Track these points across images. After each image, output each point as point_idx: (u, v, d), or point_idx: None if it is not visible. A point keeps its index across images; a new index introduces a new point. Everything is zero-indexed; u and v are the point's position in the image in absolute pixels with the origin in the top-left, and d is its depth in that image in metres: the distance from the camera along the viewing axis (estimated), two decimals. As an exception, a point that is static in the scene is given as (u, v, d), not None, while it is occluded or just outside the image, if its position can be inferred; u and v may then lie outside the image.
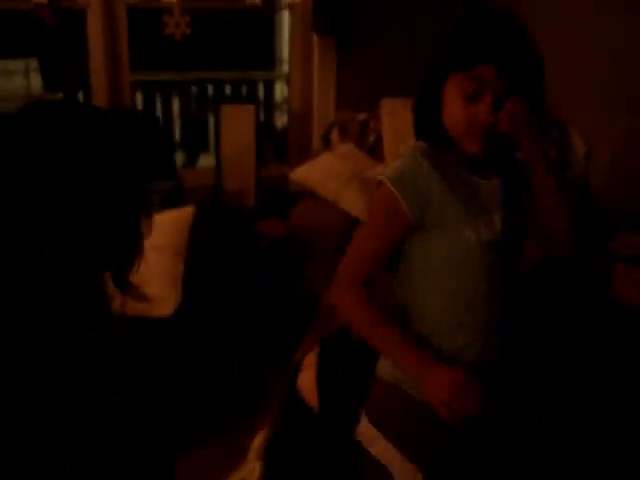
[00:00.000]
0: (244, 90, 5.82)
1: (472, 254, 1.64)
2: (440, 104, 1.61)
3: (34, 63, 6.17)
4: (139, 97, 5.52)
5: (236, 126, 3.85)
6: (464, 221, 1.62)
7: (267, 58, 5.50)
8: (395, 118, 3.74)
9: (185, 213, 3.02)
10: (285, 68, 4.70)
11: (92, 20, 3.63)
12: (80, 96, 5.65)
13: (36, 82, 6.13)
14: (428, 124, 1.66)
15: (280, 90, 5.51)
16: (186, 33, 3.71)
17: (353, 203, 3.36)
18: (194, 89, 5.81)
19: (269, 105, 5.64)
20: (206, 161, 4.93)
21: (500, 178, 1.68)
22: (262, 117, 5.11)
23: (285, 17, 4.46)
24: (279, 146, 4.35)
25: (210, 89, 5.84)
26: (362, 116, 3.94)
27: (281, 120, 5.15)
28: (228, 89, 5.90)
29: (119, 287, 2.36)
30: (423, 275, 1.69)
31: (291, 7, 4.15)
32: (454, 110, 1.58)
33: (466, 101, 1.55)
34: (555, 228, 1.71)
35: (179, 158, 5.24)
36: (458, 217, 1.61)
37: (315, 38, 4.08)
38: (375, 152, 3.85)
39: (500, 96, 1.54)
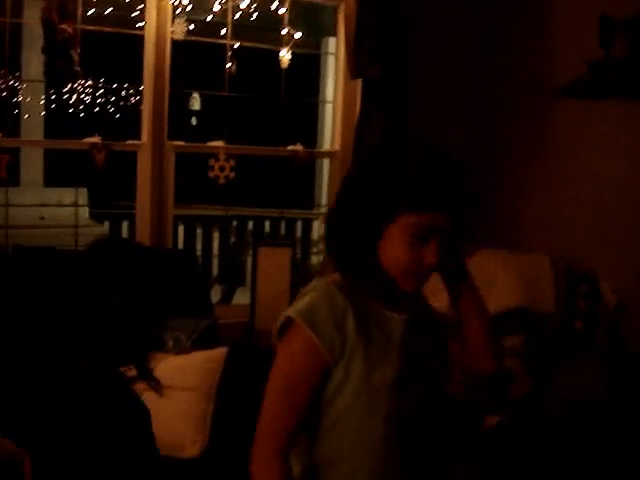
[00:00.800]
0: (283, 227, 5.99)
1: (375, 397, 1.53)
2: (375, 240, 1.52)
3: (83, 193, 6.43)
4: (181, 230, 5.70)
5: (272, 267, 3.94)
6: (371, 363, 1.52)
7: (307, 199, 5.65)
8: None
9: (218, 354, 3.06)
10: (323, 210, 4.82)
11: (142, 161, 3.80)
12: (124, 227, 5.88)
13: (84, 211, 6.38)
14: (353, 258, 1.57)
15: (318, 229, 5.63)
16: (229, 177, 3.85)
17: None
18: (234, 223, 5.98)
19: (306, 243, 5.77)
20: (243, 296, 5.01)
21: (408, 313, 1.61)
22: (299, 254, 5.22)
23: (325, 162, 4.61)
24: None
25: (250, 224, 6.02)
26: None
27: (317, 258, 5.25)
28: (267, 225, 6.09)
29: (145, 379, 2.60)
30: (332, 416, 1.55)
31: (331, 155, 4.32)
32: (398, 251, 1.50)
33: (413, 243, 1.49)
34: (479, 366, 1.65)
35: (216, 291, 5.31)
36: (366, 358, 1.51)
37: (353, 184, 4.18)
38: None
39: (444, 237, 1.50)
